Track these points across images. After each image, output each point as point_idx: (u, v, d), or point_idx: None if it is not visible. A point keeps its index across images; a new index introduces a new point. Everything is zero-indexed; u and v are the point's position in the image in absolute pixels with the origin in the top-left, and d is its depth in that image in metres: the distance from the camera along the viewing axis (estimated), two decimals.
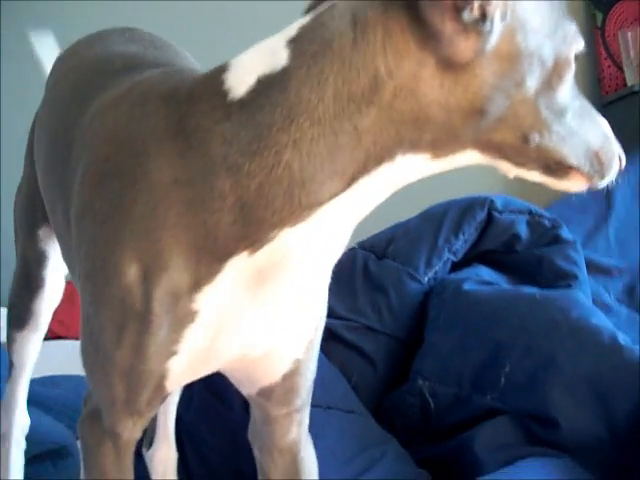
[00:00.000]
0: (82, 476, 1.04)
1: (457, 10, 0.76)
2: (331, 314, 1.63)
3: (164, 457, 1.51)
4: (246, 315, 0.92)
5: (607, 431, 1.38)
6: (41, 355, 1.50)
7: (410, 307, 1.73)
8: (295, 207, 0.83)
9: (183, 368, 0.93)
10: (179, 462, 1.59)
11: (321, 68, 0.81)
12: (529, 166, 0.87)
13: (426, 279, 1.75)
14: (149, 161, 0.86)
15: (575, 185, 0.90)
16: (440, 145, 0.83)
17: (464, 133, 0.83)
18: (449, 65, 0.79)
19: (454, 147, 0.84)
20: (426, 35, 0.78)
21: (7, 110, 3.32)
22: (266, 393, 1.04)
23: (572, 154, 0.88)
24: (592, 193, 0.94)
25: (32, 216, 1.37)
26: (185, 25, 3.43)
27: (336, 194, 0.83)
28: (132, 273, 0.86)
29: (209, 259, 0.86)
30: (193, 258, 0.86)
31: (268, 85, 0.83)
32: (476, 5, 0.76)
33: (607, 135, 0.91)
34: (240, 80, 0.84)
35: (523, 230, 1.82)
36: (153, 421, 1.48)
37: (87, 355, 0.95)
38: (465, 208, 1.81)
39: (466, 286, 1.66)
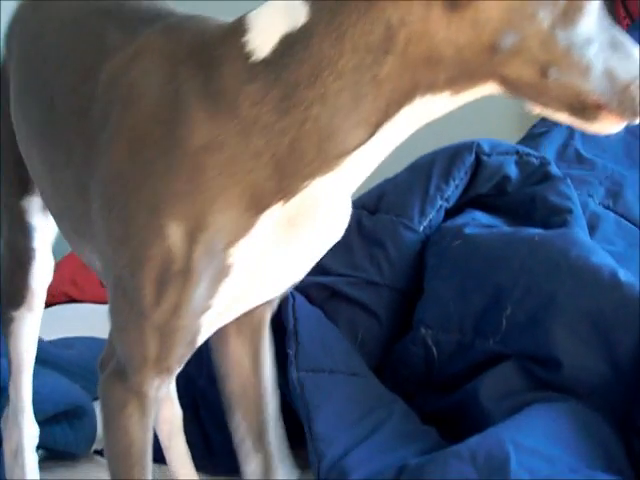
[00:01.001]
0: (102, 438, 1.07)
1: None
2: (330, 272, 1.68)
3: (169, 416, 1.48)
4: (274, 263, 0.98)
5: (610, 368, 1.40)
6: (56, 318, 1.50)
7: (408, 257, 1.74)
8: (325, 158, 0.89)
9: (213, 321, 0.99)
10: (196, 427, 1.62)
11: (339, 23, 0.85)
12: (553, 106, 0.88)
13: (421, 228, 1.76)
14: (180, 127, 0.90)
15: (607, 126, 0.90)
16: (457, 82, 0.87)
17: (479, 69, 0.85)
18: (454, 4, 0.83)
19: (472, 82, 0.87)
20: None
21: None
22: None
23: (597, 89, 0.86)
24: None
25: (15, 186, 1.33)
26: None
27: (362, 142, 0.89)
28: (173, 235, 0.90)
29: (246, 215, 0.91)
30: (230, 216, 0.91)
31: (291, 44, 0.87)
32: None
33: (630, 63, 0.88)
34: (263, 41, 0.89)
35: (512, 171, 1.82)
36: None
37: (118, 314, 0.99)
38: (453, 154, 1.81)
39: (467, 230, 1.67)
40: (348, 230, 1.73)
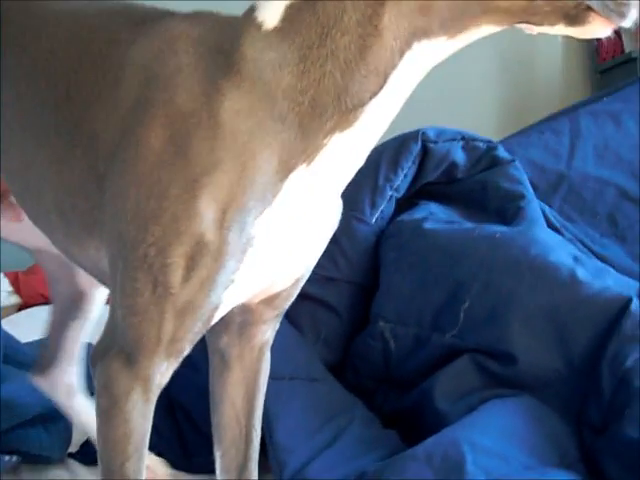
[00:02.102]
0: (98, 428, 1.02)
1: None
2: None
3: (69, 379, 1.52)
4: (292, 239, 1.02)
5: (564, 364, 1.42)
6: (34, 320, 1.52)
7: (364, 251, 1.76)
8: (343, 111, 0.96)
9: (233, 298, 1.01)
10: (171, 427, 1.64)
11: None
12: (549, 21, 0.95)
13: (373, 220, 1.78)
14: (212, 99, 0.95)
15: (599, 29, 0.96)
16: (451, 26, 0.95)
17: (469, 8, 0.94)
18: None
19: (465, 24, 0.95)
20: None
21: None
22: (270, 299, 1.14)
23: None
24: None
25: None
26: None
27: (375, 93, 0.96)
28: (207, 207, 0.93)
29: (274, 180, 0.96)
30: (261, 184, 0.95)
31: (297, 11, 0.96)
32: None
33: None
34: (269, 12, 0.97)
35: (459, 156, 1.84)
36: (47, 346, 1.51)
37: (134, 297, 0.96)
38: (399, 144, 1.82)
39: (426, 225, 1.69)
40: None
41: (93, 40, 1.09)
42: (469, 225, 1.71)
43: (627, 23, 0.94)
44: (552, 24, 0.95)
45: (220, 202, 0.93)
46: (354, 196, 1.78)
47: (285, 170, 0.97)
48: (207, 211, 0.93)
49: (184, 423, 1.65)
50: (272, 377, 1.45)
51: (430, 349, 1.55)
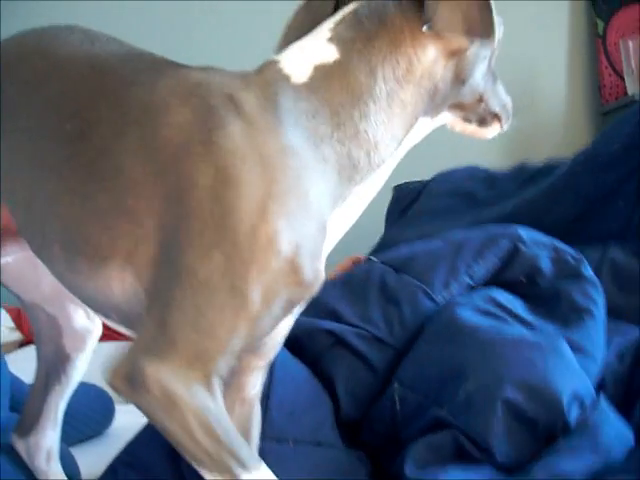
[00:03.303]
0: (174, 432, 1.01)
1: None
2: (341, 319, 1.75)
3: (49, 444, 1.51)
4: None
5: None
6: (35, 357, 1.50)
7: (420, 323, 1.76)
8: (371, 165, 1.12)
9: None
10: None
11: (368, 59, 1.11)
12: (472, 119, 1.27)
13: (441, 299, 1.79)
14: (252, 139, 1.03)
15: (494, 131, 1.31)
16: (436, 109, 1.20)
17: (450, 98, 1.21)
18: (453, 53, 1.16)
19: (442, 109, 1.21)
20: (440, 36, 1.14)
21: None
22: (258, 346, 1.20)
23: (498, 107, 1.28)
24: None
25: None
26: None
27: (392, 153, 1.15)
28: (263, 235, 1.01)
29: (320, 218, 1.07)
30: (313, 221, 1.05)
31: (327, 72, 1.10)
32: None
33: (505, 93, 1.30)
34: (297, 68, 1.11)
35: (546, 265, 1.84)
36: (31, 408, 1.49)
37: (213, 311, 1.00)
38: (490, 236, 1.85)
39: (459, 311, 1.69)
40: (368, 283, 1.82)
41: (109, 81, 1.14)
42: (493, 323, 1.67)
43: (507, 127, 1.32)
44: (472, 122, 1.28)
45: (282, 234, 1.02)
46: (428, 270, 1.82)
47: (328, 209, 1.09)
48: (268, 241, 1.01)
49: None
50: (276, 439, 1.51)
51: (426, 419, 1.55)
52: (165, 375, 0.99)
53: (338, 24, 1.14)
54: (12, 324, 2.63)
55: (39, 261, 1.29)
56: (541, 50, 3.83)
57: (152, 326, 1.02)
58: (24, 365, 1.79)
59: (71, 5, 3.72)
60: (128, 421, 1.93)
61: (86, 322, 1.44)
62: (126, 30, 3.60)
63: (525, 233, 1.86)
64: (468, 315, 1.68)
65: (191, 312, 1.00)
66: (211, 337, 1.01)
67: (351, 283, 1.85)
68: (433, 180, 2.90)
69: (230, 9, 3.78)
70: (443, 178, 2.88)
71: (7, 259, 1.34)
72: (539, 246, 1.85)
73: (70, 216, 1.12)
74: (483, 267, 1.83)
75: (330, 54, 1.11)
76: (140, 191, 1.06)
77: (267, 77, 1.10)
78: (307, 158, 1.05)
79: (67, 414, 1.53)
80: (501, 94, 1.28)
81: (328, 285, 1.90)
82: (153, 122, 1.07)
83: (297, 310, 1.14)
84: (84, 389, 1.85)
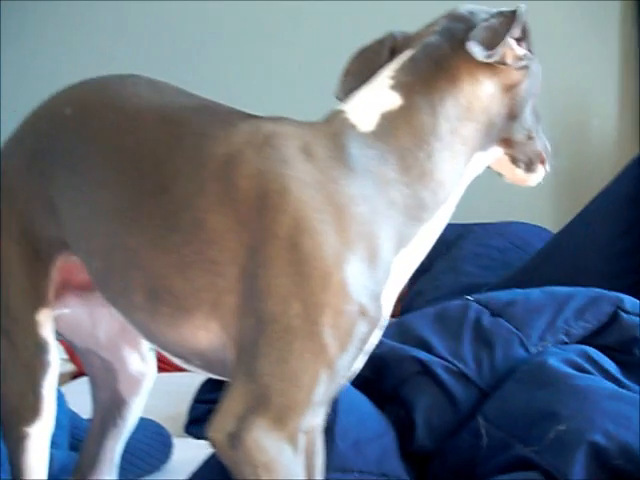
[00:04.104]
0: None
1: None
2: (431, 350, 1.74)
3: None
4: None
5: None
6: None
7: (510, 370, 1.75)
8: (437, 203, 1.16)
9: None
10: None
11: (430, 100, 1.15)
12: (521, 161, 1.27)
13: (534, 350, 1.78)
14: (327, 188, 1.09)
15: (539, 177, 1.30)
16: (491, 144, 1.22)
17: (502, 133, 1.22)
18: (507, 88, 1.20)
19: (494, 143, 1.23)
20: (495, 71, 1.18)
21: (7, 109, 3.35)
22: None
23: (542, 146, 1.28)
24: None
25: (30, 298, 1.31)
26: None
27: (455, 188, 1.18)
28: (340, 283, 1.07)
29: (388, 260, 1.12)
30: (381, 262, 1.10)
31: (392, 119, 1.15)
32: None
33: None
34: (364, 117, 1.15)
35: None
36: (88, 452, 1.47)
37: (283, 363, 1.05)
38: (593, 298, 1.84)
39: (551, 359, 1.69)
40: (464, 322, 1.83)
41: (183, 134, 1.17)
42: (584, 377, 1.66)
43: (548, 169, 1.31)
44: (520, 165, 1.27)
45: (355, 279, 1.07)
46: (527, 319, 1.82)
47: (394, 251, 1.13)
48: (342, 286, 1.07)
49: None
50: (341, 469, 1.53)
51: (508, 456, 1.54)
52: (261, 434, 1.05)
53: (398, 71, 1.18)
54: (65, 355, 2.61)
55: (95, 310, 1.37)
56: (593, 83, 3.76)
57: (243, 377, 1.08)
58: (78, 397, 1.78)
59: (71, 5, 3.76)
60: (186, 456, 1.93)
61: (141, 365, 1.44)
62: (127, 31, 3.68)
63: (629, 300, 1.85)
64: (559, 365, 1.68)
65: (276, 360, 1.06)
66: (296, 386, 1.06)
67: (445, 317, 1.86)
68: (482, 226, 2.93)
69: (234, 41, 3.81)
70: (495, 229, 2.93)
71: (64, 310, 1.36)
72: None
73: (153, 267, 1.16)
74: (582, 327, 1.83)
75: (394, 101, 1.16)
76: (222, 243, 1.10)
77: (335, 127, 1.14)
78: (376, 204, 1.10)
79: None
80: (543, 135, 1.29)
81: (420, 315, 1.93)
82: (231, 175, 1.11)
83: (367, 348, 1.16)
84: (142, 424, 1.85)
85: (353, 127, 1.14)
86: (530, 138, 1.25)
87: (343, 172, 1.10)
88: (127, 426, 1.47)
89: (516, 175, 1.28)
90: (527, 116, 1.24)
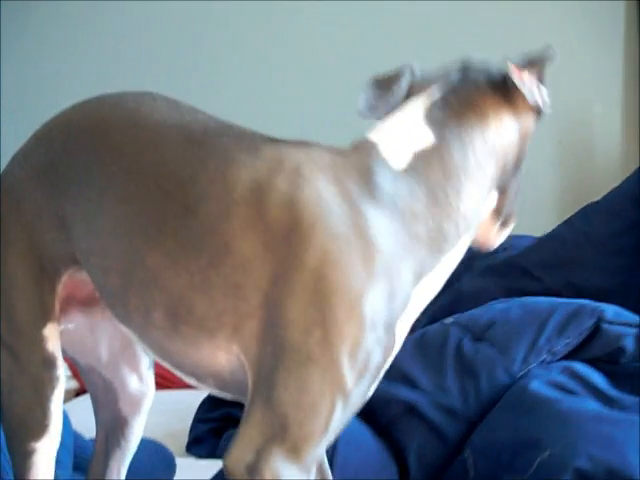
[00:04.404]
0: None
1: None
2: (416, 385, 1.73)
3: None
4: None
5: None
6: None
7: (496, 397, 1.74)
8: (459, 234, 1.18)
9: None
10: None
11: (461, 137, 1.18)
12: (503, 215, 1.27)
13: (519, 375, 1.77)
14: (357, 222, 1.10)
15: (503, 238, 1.31)
16: (495, 187, 1.23)
17: (506, 179, 1.24)
18: (525, 133, 1.23)
19: (496, 189, 1.24)
20: (518, 115, 1.22)
21: (7, 109, 3.33)
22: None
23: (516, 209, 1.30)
24: None
25: (37, 313, 1.29)
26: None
27: (475, 222, 1.21)
28: (363, 315, 1.08)
29: (409, 291, 1.14)
30: (402, 294, 1.12)
31: (425, 157, 1.17)
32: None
33: None
34: (397, 154, 1.17)
35: (630, 344, 1.80)
36: (93, 473, 1.47)
37: (313, 387, 1.06)
38: (574, 312, 1.82)
39: (533, 384, 1.68)
40: (446, 349, 1.81)
41: (207, 156, 1.17)
42: (568, 403, 1.64)
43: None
44: (498, 221, 1.27)
45: (375, 311, 1.09)
46: (510, 342, 1.80)
47: (414, 282, 1.14)
48: (363, 317, 1.08)
49: None
50: None
51: None
52: (279, 465, 1.05)
53: (430, 107, 1.20)
54: (69, 372, 2.53)
55: (97, 326, 1.36)
56: (596, 96, 3.74)
57: (262, 405, 1.08)
58: (82, 414, 1.77)
59: (72, 5, 3.72)
60: (188, 476, 1.95)
61: (140, 386, 1.43)
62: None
63: (610, 311, 1.83)
64: (542, 389, 1.67)
65: (295, 390, 1.06)
66: (314, 416, 1.06)
67: (426, 346, 1.85)
68: None
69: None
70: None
71: (68, 326, 1.34)
72: (624, 325, 1.81)
73: (175, 287, 1.15)
74: (564, 344, 1.81)
75: (427, 138, 1.18)
76: (248, 268, 1.11)
77: (366, 160, 1.16)
78: (401, 237, 1.12)
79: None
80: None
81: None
82: (261, 202, 1.12)
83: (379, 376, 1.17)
84: (144, 445, 1.85)
85: (385, 163, 1.16)
86: (516, 194, 1.28)
87: (372, 206, 1.12)
88: (130, 447, 1.46)
89: (490, 229, 1.28)
90: (522, 168, 1.27)
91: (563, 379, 1.70)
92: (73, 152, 1.26)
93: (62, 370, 1.30)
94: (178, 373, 1.23)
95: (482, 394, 1.74)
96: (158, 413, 1.62)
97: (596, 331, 1.81)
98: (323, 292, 1.07)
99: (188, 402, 2.37)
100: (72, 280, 1.30)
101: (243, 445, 1.07)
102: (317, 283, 1.08)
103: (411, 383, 1.75)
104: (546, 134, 3.33)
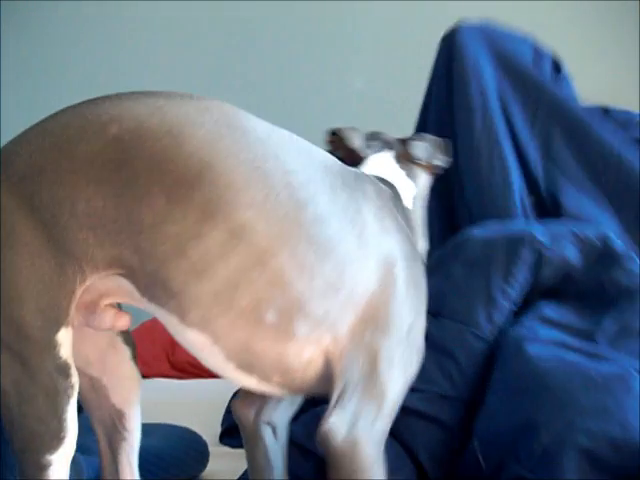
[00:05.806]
0: None
1: None
2: None
3: None
4: None
5: None
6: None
7: (478, 366, 1.74)
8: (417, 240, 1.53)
9: None
10: None
11: (419, 185, 1.62)
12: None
13: (488, 333, 1.76)
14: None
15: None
16: None
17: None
18: (425, 186, 1.65)
19: None
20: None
21: (7, 109, 3.35)
22: None
23: None
24: None
25: (49, 317, 1.21)
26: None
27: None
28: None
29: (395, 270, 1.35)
30: (393, 272, 1.33)
31: (415, 201, 1.57)
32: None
33: None
34: (406, 196, 1.54)
35: (575, 256, 1.82)
36: (107, 473, 1.46)
37: (405, 363, 1.33)
38: (507, 250, 1.81)
39: (529, 348, 1.65)
40: None
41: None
42: (571, 357, 1.62)
43: None
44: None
45: None
46: (468, 309, 1.77)
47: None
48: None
49: None
50: None
51: (509, 475, 1.52)
52: (371, 433, 1.26)
53: (402, 165, 1.59)
54: None
55: (82, 328, 1.29)
56: (613, 99, 3.63)
57: (363, 381, 1.26)
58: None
59: (72, 5, 3.74)
60: (222, 465, 1.95)
61: (129, 375, 1.42)
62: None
63: (540, 232, 1.83)
64: (544, 355, 1.64)
65: (390, 364, 1.29)
66: (398, 390, 1.30)
67: None
68: None
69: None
70: None
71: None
72: (559, 241, 1.81)
73: (296, 288, 1.23)
74: (517, 287, 1.79)
75: (413, 187, 1.58)
76: (362, 276, 1.29)
77: (387, 194, 1.44)
78: (415, 260, 1.40)
79: (161, 459, 1.59)
80: None
81: None
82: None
83: None
84: (178, 432, 1.90)
85: (401, 202, 1.50)
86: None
87: (393, 227, 1.37)
88: (134, 436, 1.45)
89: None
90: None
91: (543, 332, 1.70)
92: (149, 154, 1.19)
93: (76, 378, 1.23)
94: (235, 372, 1.28)
95: (464, 370, 1.73)
96: (193, 402, 1.73)
97: (540, 260, 1.81)
98: (416, 286, 1.37)
99: (222, 391, 2.32)
100: (95, 285, 1.24)
101: (342, 413, 1.23)
102: (407, 284, 1.35)
103: None
104: None
